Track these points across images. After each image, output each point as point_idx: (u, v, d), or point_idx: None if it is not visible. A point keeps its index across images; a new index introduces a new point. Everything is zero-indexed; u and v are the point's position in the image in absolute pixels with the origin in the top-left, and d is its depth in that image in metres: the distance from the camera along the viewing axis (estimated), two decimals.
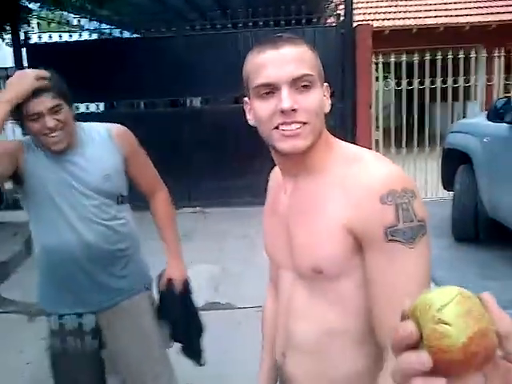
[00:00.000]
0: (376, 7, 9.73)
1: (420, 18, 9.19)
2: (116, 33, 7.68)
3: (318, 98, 0.87)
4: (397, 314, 0.50)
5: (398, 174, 0.83)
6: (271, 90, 0.85)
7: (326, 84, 0.93)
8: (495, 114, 3.93)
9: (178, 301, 1.78)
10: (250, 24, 6.34)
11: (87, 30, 7.05)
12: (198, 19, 6.89)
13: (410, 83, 6.28)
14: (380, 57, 6.34)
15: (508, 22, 8.80)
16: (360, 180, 0.83)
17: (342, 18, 6.37)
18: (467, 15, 9.15)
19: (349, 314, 0.89)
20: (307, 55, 0.88)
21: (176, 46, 6.29)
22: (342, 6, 6.51)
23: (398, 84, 6.36)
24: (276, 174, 1.07)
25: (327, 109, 0.92)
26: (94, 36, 6.83)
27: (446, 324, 0.41)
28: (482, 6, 9.40)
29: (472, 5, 9.49)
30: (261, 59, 0.86)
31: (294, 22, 6.27)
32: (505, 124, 3.78)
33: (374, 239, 0.80)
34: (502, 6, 9.27)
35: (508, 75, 7.50)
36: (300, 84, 0.85)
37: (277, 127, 0.86)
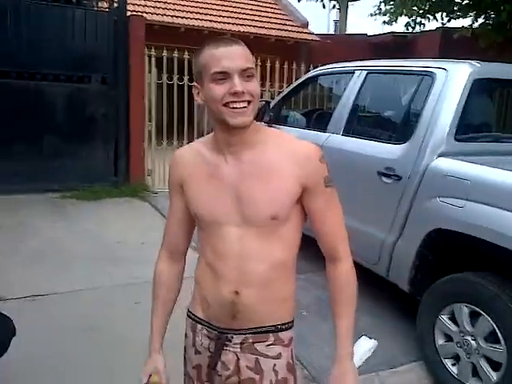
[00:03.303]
0: (146, 0, 9.83)
1: (187, 18, 9.69)
2: None
3: (257, 85, 1.14)
4: (341, 227, 1.25)
5: (317, 146, 1.24)
6: (225, 77, 1.11)
7: None
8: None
9: None
10: None
11: None
12: None
13: (180, 79, 6.60)
14: (152, 50, 6.47)
15: (260, 36, 10.06)
16: (302, 150, 1.20)
17: (115, 5, 6.26)
18: (230, 23, 10.09)
19: (287, 249, 1.24)
20: (249, 52, 1.15)
21: None
22: None
23: (170, 79, 6.61)
24: (186, 156, 1.28)
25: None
26: None
27: None
28: (242, 17, 10.51)
29: (235, 15, 10.52)
30: (219, 52, 1.11)
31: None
32: (261, 123, 4.40)
33: (318, 187, 1.20)
34: (258, 21, 10.56)
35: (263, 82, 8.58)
36: (246, 74, 1.11)
37: (226, 105, 1.11)
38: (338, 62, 4.11)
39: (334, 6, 7.89)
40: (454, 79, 2.86)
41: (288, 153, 1.19)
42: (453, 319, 2.58)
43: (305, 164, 1.18)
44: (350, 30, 13.93)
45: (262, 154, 1.19)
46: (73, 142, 6.12)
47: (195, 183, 1.24)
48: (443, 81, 2.90)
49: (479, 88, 2.87)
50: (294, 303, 1.31)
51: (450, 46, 7.81)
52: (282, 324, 1.27)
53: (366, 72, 3.55)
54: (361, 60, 3.79)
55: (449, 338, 2.62)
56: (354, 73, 3.66)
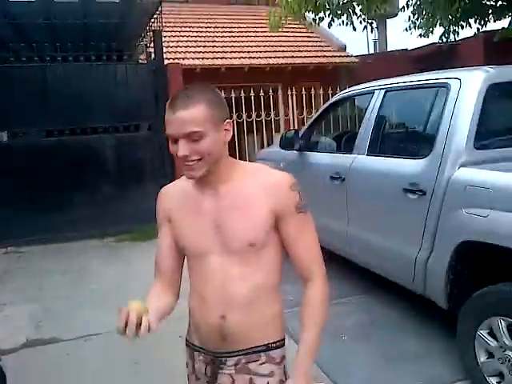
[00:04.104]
0: (186, 47, 10.36)
1: (226, 58, 10.11)
2: None
3: (208, 142, 1.21)
4: (313, 250, 1.31)
5: (290, 175, 1.33)
6: (175, 140, 1.22)
7: (227, 120, 1.27)
8: (285, 144, 4.63)
9: None
10: (59, 58, 6.25)
11: None
12: None
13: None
14: None
15: (298, 65, 10.27)
16: (273, 180, 1.30)
17: (152, 56, 6.69)
18: (268, 57, 10.39)
19: (268, 273, 1.32)
20: (196, 114, 1.19)
21: None
22: (152, 45, 6.83)
23: None
24: (171, 192, 1.43)
25: (226, 140, 1.28)
26: None
27: None
28: (279, 50, 10.81)
29: (273, 49, 10.84)
30: (167, 117, 1.22)
31: (104, 57, 6.36)
32: (294, 151, 4.49)
33: (289, 213, 1.28)
34: (295, 52, 10.80)
35: (301, 110, 8.72)
36: (191, 137, 1.20)
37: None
38: (366, 83, 4.13)
39: (365, 27, 7.83)
40: (467, 87, 2.83)
41: (261, 183, 1.29)
42: (492, 334, 2.47)
43: (275, 193, 1.28)
44: (391, 47, 13.86)
45: (238, 187, 1.29)
46: (124, 187, 6.51)
47: (180, 218, 1.36)
48: (457, 90, 2.86)
49: (496, 93, 2.81)
50: (282, 322, 1.37)
51: (495, 49, 7.57)
52: (273, 343, 1.34)
53: (384, 91, 3.57)
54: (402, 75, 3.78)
55: (490, 355, 2.50)
56: (373, 93, 3.69)
